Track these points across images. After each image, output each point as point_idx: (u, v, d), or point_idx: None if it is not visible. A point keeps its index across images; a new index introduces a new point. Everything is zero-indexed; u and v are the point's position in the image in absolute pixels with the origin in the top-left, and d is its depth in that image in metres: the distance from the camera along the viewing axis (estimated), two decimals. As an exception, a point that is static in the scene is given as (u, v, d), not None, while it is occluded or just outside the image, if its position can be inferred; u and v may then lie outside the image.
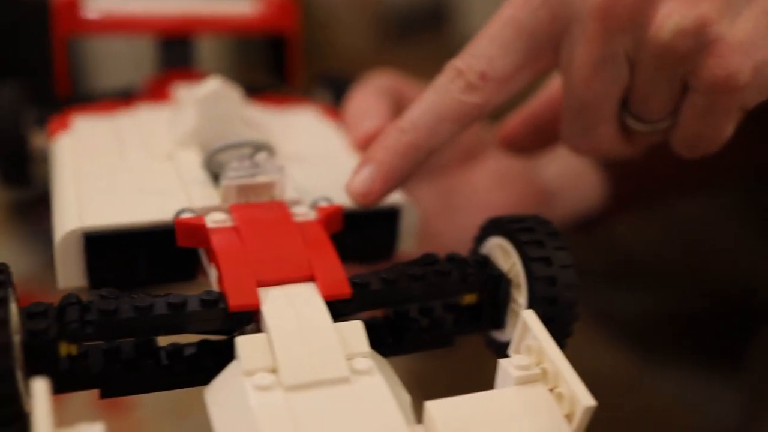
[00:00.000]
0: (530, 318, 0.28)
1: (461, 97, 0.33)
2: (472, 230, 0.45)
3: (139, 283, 0.33)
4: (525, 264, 0.30)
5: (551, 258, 0.30)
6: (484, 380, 0.31)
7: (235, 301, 0.27)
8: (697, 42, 0.31)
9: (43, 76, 0.49)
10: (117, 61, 1.27)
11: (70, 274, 0.32)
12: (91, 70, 1.23)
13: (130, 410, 0.81)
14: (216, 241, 0.30)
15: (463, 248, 0.45)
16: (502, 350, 0.32)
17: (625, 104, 0.35)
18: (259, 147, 0.34)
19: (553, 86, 0.40)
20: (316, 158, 0.40)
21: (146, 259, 0.33)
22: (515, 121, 0.42)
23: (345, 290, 0.29)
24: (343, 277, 0.29)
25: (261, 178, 0.33)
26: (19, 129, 0.46)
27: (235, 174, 0.32)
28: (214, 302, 0.27)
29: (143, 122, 0.42)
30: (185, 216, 0.32)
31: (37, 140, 0.47)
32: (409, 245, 0.38)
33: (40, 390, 0.22)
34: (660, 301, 0.69)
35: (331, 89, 0.53)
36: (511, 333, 0.32)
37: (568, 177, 0.51)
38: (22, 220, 1.09)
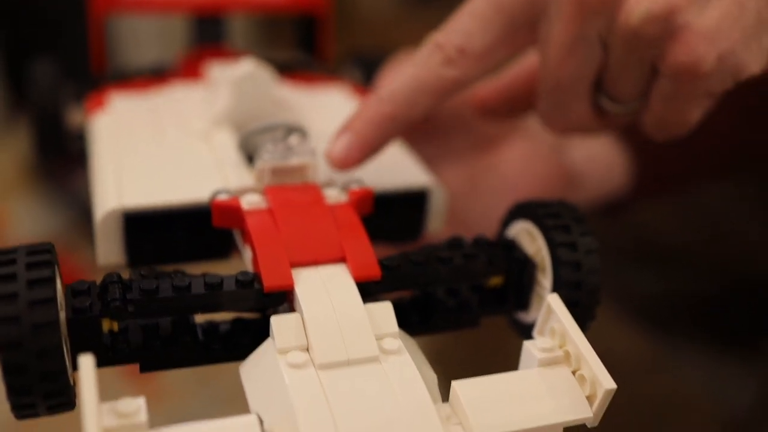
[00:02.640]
0: (555, 302, 0.29)
1: (439, 71, 0.35)
2: (498, 212, 0.46)
3: (176, 260, 0.35)
4: (551, 249, 0.31)
5: (576, 243, 0.31)
6: (504, 358, 0.32)
7: (270, 281, 0.29)
8: (665, 28, 0.32)
9: (79, 52, 0.50)
10: (142, 37, 1.29)
11: (109, 251, 0.33)
12: (117, 46, 1.25)
13: (153, 377, 0.83)
14: (251, 223, 0.31)
15: (488, 229, 0.46)
16: (526, 331, 0.33)
17: (598, 84, 0.36)
18: (292, 129, 0.35)
19: (530, 59, 0.42)
20: None
21: (183, 237, 0.34)
22: (490, 87, 0.43)
23: (375, 272, 0.30)
24: (374, 259, 0.30)
25: (294, 161, 0.34)
26: (56, 104, 0.48)
27: (269, 156, 0.33)
28: (250, 282, 0.29)
29: (178, 100, 0.43)
30: (221, 197, 0.33)
31: (73, 116, 0.48)
32: (437, 226, 0.39)
33: (86, 366, 0.24)
34: (680, 284, 0.70)
35: (360, 67, 0.53)
36: (536, 315, 0.33)
37: (594, 161, 0.51)
38: (50, 179, 1.11)
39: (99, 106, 0.42)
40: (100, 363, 0.28)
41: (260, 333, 0.29)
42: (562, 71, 0.35)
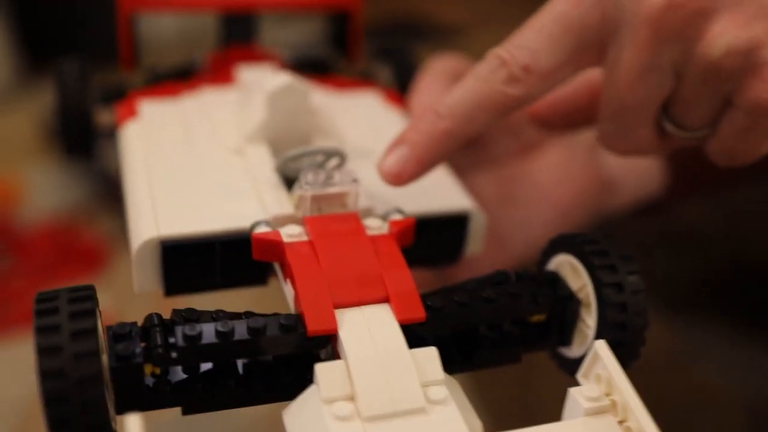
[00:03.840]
0: (602, 348, 0.29)
1: (503, 88, 0.34)
2: (532, 224, 0.46)
3: (213, 287, 0.35)
4: (596, 289, 0.31)
5: (623, 284, 0.31)
6: (547, 388, 0.32)
7: (314, 326, 0.29)
8: (746, 63, 0.31)
9: (108, 52, 0.49)
10: (163, 34, 1.28)
11: (146, 279, 0.33)
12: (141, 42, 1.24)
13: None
14: (292, 259, 0.31)
15: (522, 241, 0.46)
16: (567, 365, 0.33)
17: (665, 108, 0.35)
18: (331, 153, 0.35)
19: (590, 75, 0.41)
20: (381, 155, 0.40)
21: (221, 265, 0.34)
22: (548, 99, 0.42)
23: (419, 314, 0.30)
24: (418, 299, 0.30)
25: (335, 189, 0.33)
26: (84, 104, 0.47)
27: (309, 184, 0.33)
28: (293, 327, 0.29)
29: (209, 108, 0.43)
30: (261, 230, 0.32)
31: (101, 116, 0.48)
32: (475, 250, 0.38)
33: (133, 425, 0.24)
34: (702, 271, 0.69)
35: (390, 64, 0.53)
36: (578, 351, 0.33)
37: (630, 165, 0.51)
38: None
39: (129, 115, 0.42)
40: (142, 407, 0.28)
41: (303, 372, 0.29)
42: (630, 96, 0.34)
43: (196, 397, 0.29)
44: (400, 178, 0.35)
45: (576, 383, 0.30)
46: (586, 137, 0.50)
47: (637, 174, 0.51)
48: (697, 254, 0.69)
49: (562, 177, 0.47)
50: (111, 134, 0.45)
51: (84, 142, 0.48)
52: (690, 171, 0.52)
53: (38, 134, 1.10)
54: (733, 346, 0.67)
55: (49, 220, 0.97)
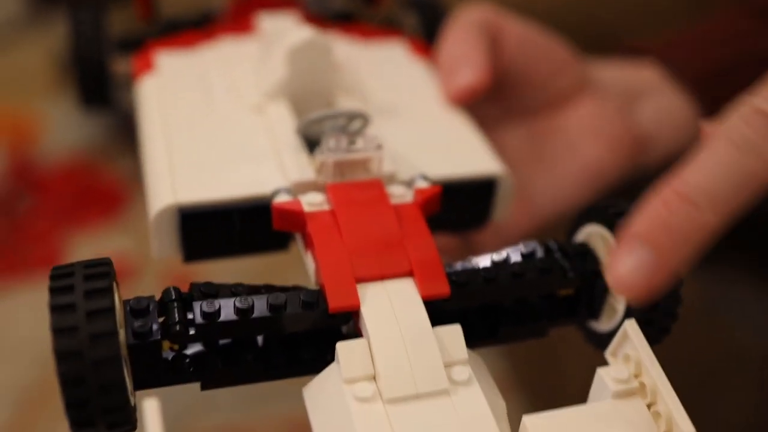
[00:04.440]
0: (632, 328, 0.28)
1: None
2: (563, 183, 0.45)
3: (233, 253, 0.34)
4: None
5: None
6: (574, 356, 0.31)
7: (335, 302, 0.28)
8: None
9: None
10: None
11: (164, 245, 0.33)
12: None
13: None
14: (313, 230, 0.30)
15: (551, 200, 0.45)
16: (596, 339, 0.33)
17: None
18: (354, 115, 0.34)
19: None
20: (409, 113, 0.39)
21: (240, 231, 0.33)
22: None
23: (444, 289, 0.29)
24: (443, 274, 0.29)
25: (358, 155, 0.33)
26: (100, 53, 0.47)
27: (331, 150, 0.32)
28: (314, 303, 0.28)
29: (229, 61, 0.42)
30: (281, 199, 0.32)
31: (117, 65, 0.47)
32: (503, 215, 0.38)
33: (151, 409, 0.24)
34: (750, 235, 0.68)
35: (416, 12, 0.51)
36: (607, 325, 0.32)
37: (664, 120, 0.50)
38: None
39: (146, 68, 0.41)
40: (161, 382, 0.28)
41: (325, 347, 0.29)
42: None
43: (215, 372, 0.29)
44: (642, 292, 0.27)
45: (603, 358, 0.30)
46: (619, 89, 0.49)
47: (672, 130, 0.50)
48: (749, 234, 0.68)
49: (594, 133, 0.46)
50: (128, 84, 0.44)
51: (100, 93, 0.48)
52: None
53: (52, 68, 1.08)
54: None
55: (67, 159, 0.96)
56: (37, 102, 1.08)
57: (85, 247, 0.87)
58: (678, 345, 0.42)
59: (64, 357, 0.25)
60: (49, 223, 0.86)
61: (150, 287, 0.82)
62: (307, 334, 0.30)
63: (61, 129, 1.03)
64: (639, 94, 0.49)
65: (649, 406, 0.28)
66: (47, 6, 1.24)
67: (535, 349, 0.63)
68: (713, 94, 0.50)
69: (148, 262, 0.80)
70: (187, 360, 0.29)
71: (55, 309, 0.25)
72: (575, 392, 0.30)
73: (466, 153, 0.37)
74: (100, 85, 0.47)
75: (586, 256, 0.32)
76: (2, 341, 0.82)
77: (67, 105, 1.05)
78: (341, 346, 0.27)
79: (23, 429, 0.76)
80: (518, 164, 0.45)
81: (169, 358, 0.29)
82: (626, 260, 0.27)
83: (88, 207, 0.89)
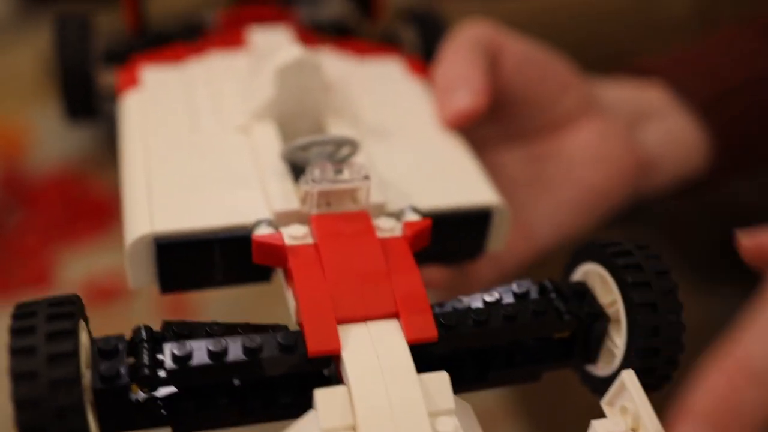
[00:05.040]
0: (629, 380, 0.27)
1: None
2: (563, 209, 0.44)
3: (213, 285, 0.33)
4: (628, 308, 0.29)
5: (658, 304, 0.29)
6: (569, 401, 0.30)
7: (315, 346, 0.27)
8: None
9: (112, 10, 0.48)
10: None
11: (140, 275, 0.32)
12: None
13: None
14: (295, 266, 0.29)
15: (551, 228, 0.44)
16: (592, 383, 0.32)
17: None
18: (342, 142, 0.33)
19: None
20: (402, 137, 0.38)
21: (220, 262, 0.32)
22: None
23: (431, 333, 0.28)
24: (430, 317, 0.28)
25: (344, 185, 0.31)
26: (85, 65, 0.46)
27: (315, 179, 0.31)
28: (292, 347, 0.27)
29: (216, 77, 0.41)
30: (262, 231, 0.31)
31: (104, 77, 0.46)
32: (498, 246, 0.36)
33: None
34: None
35: (416, 26, 0.50)
36: (604, 370, 0.31)
37: (669, 141, 0.48)
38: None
39: (131, 84, 0.40)
40: (129, 427, 0.27)
41: (304, 391, 0.28)
42: None
43: (188, 416, 0.28)
44: None
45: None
46: (624, 110, 0.47)
47: (678, 153, 0.49)
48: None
49: (597, 156, 0.45)
50: (115, 96, 0.43)
51: (86, 105, 0.47)
52: (734, 150, 0.49)
53: (41, 73, 1.06)
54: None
55: (56, 170, 0.95)
56: (25, 109, 1.06)
57: (75, 263, 0.86)
58: (681, 387, 0.40)
59: (22, 405, 0.23)
60: (39, 239, 0.85)
61: (143, 306, 0.81)
62: (286, 376, 0.29)
63: (50, 138, 1.02)
64: (644, 116, 0.48)
65: (646, 461, 0.26)
66: (37, 6, 1.22)
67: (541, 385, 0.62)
68: (721, 116, 0.49)
69: (137, 290, 0.79)
70: (158, 403, 0.28)
71: (15, 352, 0.24)
72: (571, 421, 0.29)
73: (460, 181, 0.36)
74: (86, 98, 0.47)
75: (583, 296, 0.31)
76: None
77: (56, 113, 1.03)
78: (320, 394, 0.26)
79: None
80: (516, 189, 0.44)
81: (139, 400, 0.27)
82: None
83: (79, 220, 0.88)
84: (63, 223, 0.88)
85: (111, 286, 0.81)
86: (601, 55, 0.55)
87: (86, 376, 0.25)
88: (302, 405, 0.27)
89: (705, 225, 0.64)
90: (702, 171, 0.50)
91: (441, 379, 0.27)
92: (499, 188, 0.38)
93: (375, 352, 0.27)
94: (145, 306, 0.80)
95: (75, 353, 0.24)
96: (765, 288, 0.28)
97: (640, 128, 0.48)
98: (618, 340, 0.30)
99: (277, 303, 0.33)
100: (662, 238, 0.57)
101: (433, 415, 0.26)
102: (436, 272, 0.39)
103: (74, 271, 0.84)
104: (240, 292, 0.76)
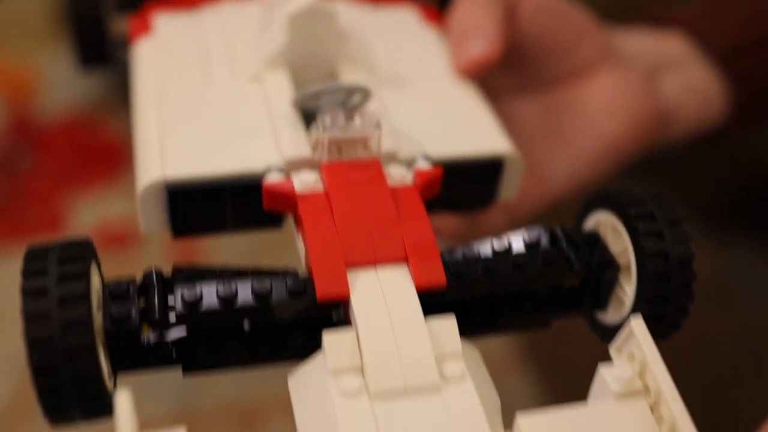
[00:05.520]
0: (638, 327, 0.28)
1: None
2: (578, 160, 0.44)
3: (224, 230, 0.34)
4: (638, 257, 0.30)
5: (669, 253, 0.29)
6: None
7: (324, 291, 0.27)
8: None
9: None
10: None
11: (152, 221, 0.32)
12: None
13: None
14: (305, 212, 0.30)
15: (566, 180, 0.44)
16: (601, 331, 0.32)
17: None
18: (354, 90, 0.33)
19: None
20: (415, 85, 0.38)
21: (231, 209, 0.33)
22: None
23: (440, 280, 0.28)
24: (439, 263, 0.29)
25: (355, 133, 0.32)
26: (98, 11, 0.46)
27: (326, 126, 0.31)
28: (301, 292, 0.28)
29: (230, 25, 0.41)
30: (273, 178, 0.31)
31: (116, 24, 0.46)
32: (510, 195, 0.37)
33: (122, 401, 0.23)
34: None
35: None
36: (613, 317, 0.32)
37: (688, 92, 0.48)
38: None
39: (143, 31, 0.40)
40: (140, 366, 0.28)
41: (313, 334, 0.28)
42: None
43: (198, 357, 0.29)
44: None
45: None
46: (643, 61, 0.47)
47: (696, 104, 0.49)
48: (758, 187, 0.66)
49: (615, 108, 0.45)
50: (127, 43, 0.44)
51: (99, 53, 0.47)
52: (752, 102, 0.49)
53: (52, 18, 1.06)
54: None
55: (67, 116, 0.95)
56: (36, 53, 1.05)
57: (87, 209, 0.87)
58: (691, 339, 0.40)
59: (35, 345, 0.24)
60: (51, 184, 0.86)
61: (154, 252, 0.82)
62: (295, 320, 0.30)
63: (61, 83, 1.02)
64: (664, 66, 0.48)
65: (652, 408, 0.27)
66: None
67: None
68: (741, 68, 0.48)
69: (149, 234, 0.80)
70: (169, 344, 0.28)
71: (27, 293, 0.25)
72: (579, 369, 0.29)
73: (472, 130, 0.36)
74: (99, 45, 0.47)
75: (594, 245, 0.31)
76: (9, 306, 0.81)
77: (66, 57, 1.02)
78: (328, 337, 0.26)
79: (28, 398, 0.76)
80: (532, 139, 0.44)
81: (150, 342, 0.28)
82: None
83: (90, 166, 0.89)
84: (74, 169, 0.89)
85: (122, 232, 0.82)
86: (621, 8, 0.55)
87: (97, 318, 0.26)
88: (311, 348, 0.27)
89: (720, 179, 0.64)
90: (720, 123, 0.50)
91: (448, 323, 0.27)
92: (513, 138, 0.38)
93: (383, 296, 0.27)
94: (156, 252, 0.81)
95: (86, 295, 0.25)
96: None
97: (658, 79, 0.48)
98: (628, 288, 0.30)
99: (288, 250, 0.34)
100: (677, 190, 0.57)
101: (440, 358, 0.27)
102: (448, 220, 0.39)
103: (85, 216, 0.85)
104: (250, 241, 0.77)
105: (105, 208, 0.86)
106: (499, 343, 0.70)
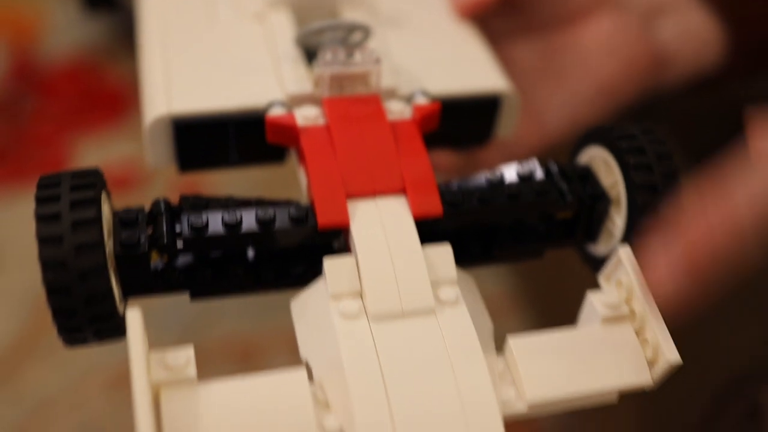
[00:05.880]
0: (625, 255, 0.29)
1: None
2: (575, 102, 0.45)
3: (229, 165, 0.35)
4: (628, 189, 0.31)
5: (658, 186, 0.30)
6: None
7: (325, 219, 0.29)
8: None
9: None
10: None
11: (159, 155, 0.34)
12: None
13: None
14: (307, 145, 0.31)
15: (562, 122, 0.45)
16: (593, 263, 0.34)
17: None
18: (354, 27, 0.34)
19: None
20: (416, 25, 0.39)
21: (235, 143, 0.34)
22: None
23: (436, 209, 0.30)
24: (435, 193, 0.30)
25: (355, 68, 0.33)
26: None
27: (327, 62, 0.33)
28: (303, 219, 0.29)
29: None
30: (276, 112, 0.32)
31: None
32: (507, 132, 0.38)
33: (133, 319, 0.25)
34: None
35: None
36: (604, 249, 0.33)
37: (687, 36, 0.49)
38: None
39: None
40: (149, 291, 0.29)
41: (315, 261, 0.30)
42: None
43: (204, 283, 0.30)
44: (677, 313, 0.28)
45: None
46: (640, 5, 0.48)
47: (694, 49, 0.49)
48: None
49: (611, 49, 0.46)
50: None
51: None
52: (750, 48, 0.50)
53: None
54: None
55: (71, 59, 0.96)
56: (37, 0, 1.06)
57: (91, 152, 0.88)
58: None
59: (49, 266, 0.26)
60: (54, 127, 0.87)
61: (158, 194, 0.83)
62: (298, 248, 0.31)
63: (65, 28, 1.02)
64: (661, 11, 0.49)
65: (637, 332, 0.28)
66: None
67: (542, 270, 0.64)
68: (740, 13, 0.49)
69: (153, 172, 0.81)
70: (177, 271, 0.30)
71: (41, 218, 0.26)
72: (570, 300, 0.31)
73: (470, 68, 0.37)
74: None
75: (587, 178, 0.32)
76: (11, 248, 0.84)
77: (71, 1, 1.03)
78: (328, 262, 0.28)
79: (39, 332, 0.79)
80: (529, 80, 0.45)
81: (159, 268, 0.30)
82: (667, 282, 0.28)
83: (94, 110, 0.89)
84: (78, 113, 0.90)
85: (126, 174, 0.83)
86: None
87: (108, 243, 0.27)
88: (312, 276, 0.29)
89: (719, 124, 0.65)
90: (717, 68, 0.51)
91: (444, 250, 0.29)
92: (512, 79, 0.39)
93: (382, 224, 0.29)
94: (160, 194, 0.82)
95: (98, 219, 0.26)
96: (756, 142, 0.29)
97: (656, 23, 0.48)
98: (618, 220, 0.32)
99: (290, 190, 0.35)
100: (673, 135, 0.58)
101: (436, 283, 0.28)
102: (446, 156, 0.40)
103: (89, 159, 0.86)
104: (254, 181, 0.78)
105: (109, 151, 0.87)
106: (491, 277, 0.71)
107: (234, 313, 0.81)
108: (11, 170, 0.84)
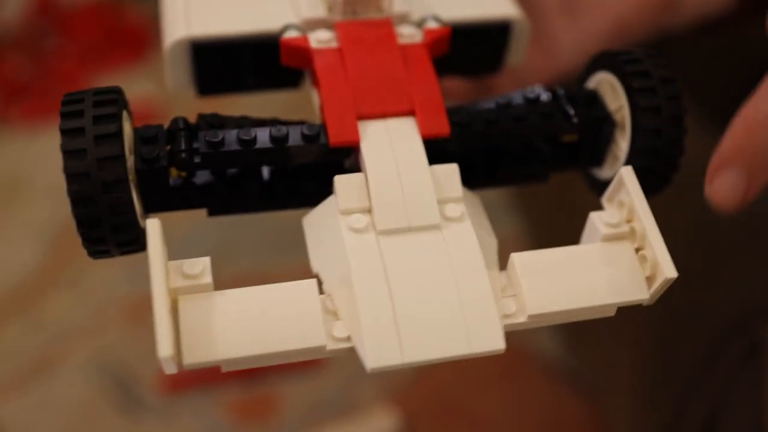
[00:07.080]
0: (627, 175, 0.30)
1: None
2: (588, 36, 0.46)
3: (245, 89, 0.36)
4: (633, 112, 0.32)
5: (661, 108, 0.31)
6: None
7: (336, 137, 0.30)
8: None
9: None
10: None
11: (178, 78, 0.35)
12: None
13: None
14: (320, 66, 0.32)
15: (576, 52, 0.46)
16: (598, 187, 0.35)
17: None
18: None
19: None
20: None
21: (252, 67, 0.35)
22: None
23: (444, 129, 0.31)
24: (443, 114, 0.31)
25: None
26: None
27: None
28: (315, 137, 0.30)
29: None
30: (290, 34, 0.34)
31: None
32: (517, 60, 0.39)
33: (152, 228, 0.26)
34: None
35: None
36: (608, 172, 0.34)
37: None
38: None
39: None
40: (168, 207, 0.31)
41: (326, 181, 0.31)
42: None
43: (221, 200, 0.32)
44: (732, 206, 0.33)
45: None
46: None
47: None
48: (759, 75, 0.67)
49: None
50: None
51: None
52: None
53: None
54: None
55: (92, -2, 0.97)
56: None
57: (111, 90, 0.89)
58: (685, 222, 0.43)
59: (73, 178, 0.27)
60: (76, 64, 0.89)
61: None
62: (311, 168, 0.33)
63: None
64: None
65: (637, 251, 0.30)
66: None
67: (552, 209, 0.65)
68: None
69: (172, 108, 0.83)
70: (195, 187, 0.31)
71: (65, 132, 0.28)
72: (575, 223, 0.32)
73: None
74: None
75: (593, 102, 0.33)
76: (33, 182, 0.86)
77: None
78: (339, 179, 0.29)
79: (59, 264, 0.82)
80: (544, 14, 0.46)
81: (178, 185, 0.31)
82: (721, 181, 0.33)
83: (114, 48, 0.91)
84: (98, 49, 0.91)
85: (147, 112, 0.84)
86: None
87: (130, 159, 0.29)
88: (324, 195, 0.31)
89: (731, 65, 0.65)
90: (727, 10, 0.51)
91: (451, 169, 0.30)
92: (527, 11, 0.40)
93: (390, 143, 0.30)
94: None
95: (119, 134, 0.28)
96: None
97: None
98: (623, 144, 0.33)
99: (305, 116, 0.37)
100: (685, 77, 0.59)
101: (442, 201, 0.30)
102: (457, 83, 0.41)
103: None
104: (269, 111, 0.79)
105: (129, 88, 0.87)
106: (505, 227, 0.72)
107: (250, 252, 0.83)
108: (33, 106, 0.86)
